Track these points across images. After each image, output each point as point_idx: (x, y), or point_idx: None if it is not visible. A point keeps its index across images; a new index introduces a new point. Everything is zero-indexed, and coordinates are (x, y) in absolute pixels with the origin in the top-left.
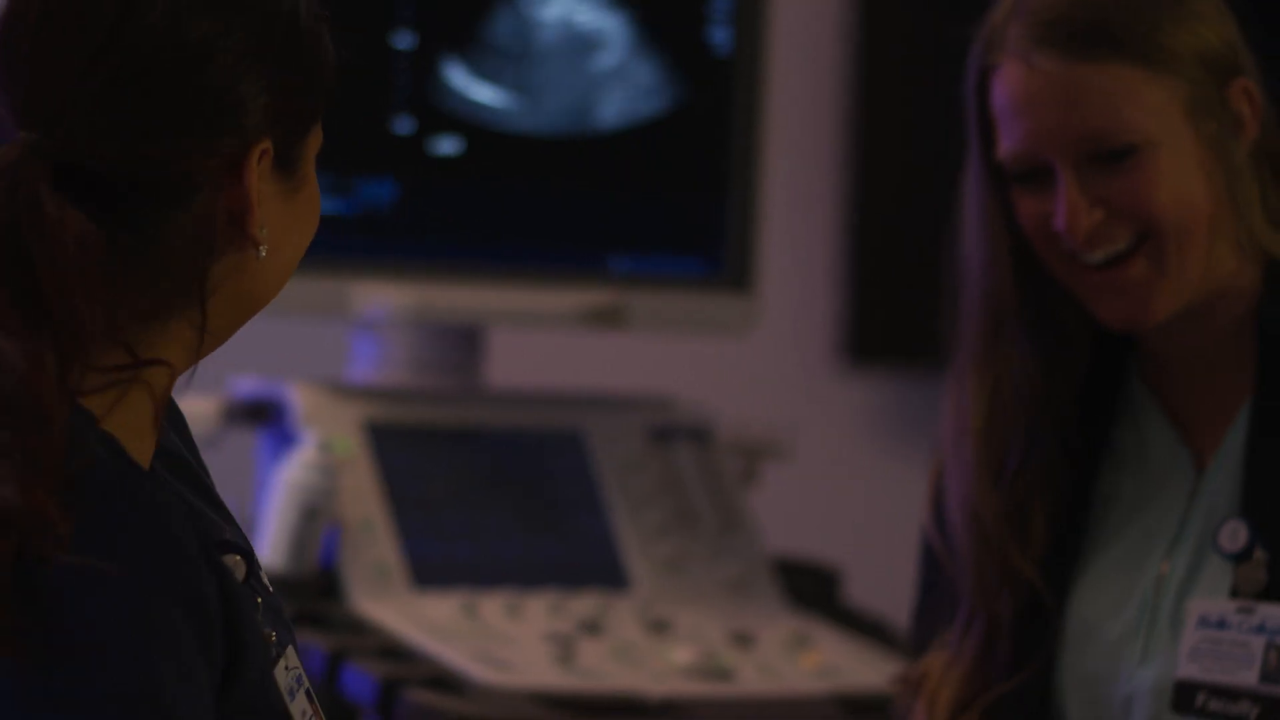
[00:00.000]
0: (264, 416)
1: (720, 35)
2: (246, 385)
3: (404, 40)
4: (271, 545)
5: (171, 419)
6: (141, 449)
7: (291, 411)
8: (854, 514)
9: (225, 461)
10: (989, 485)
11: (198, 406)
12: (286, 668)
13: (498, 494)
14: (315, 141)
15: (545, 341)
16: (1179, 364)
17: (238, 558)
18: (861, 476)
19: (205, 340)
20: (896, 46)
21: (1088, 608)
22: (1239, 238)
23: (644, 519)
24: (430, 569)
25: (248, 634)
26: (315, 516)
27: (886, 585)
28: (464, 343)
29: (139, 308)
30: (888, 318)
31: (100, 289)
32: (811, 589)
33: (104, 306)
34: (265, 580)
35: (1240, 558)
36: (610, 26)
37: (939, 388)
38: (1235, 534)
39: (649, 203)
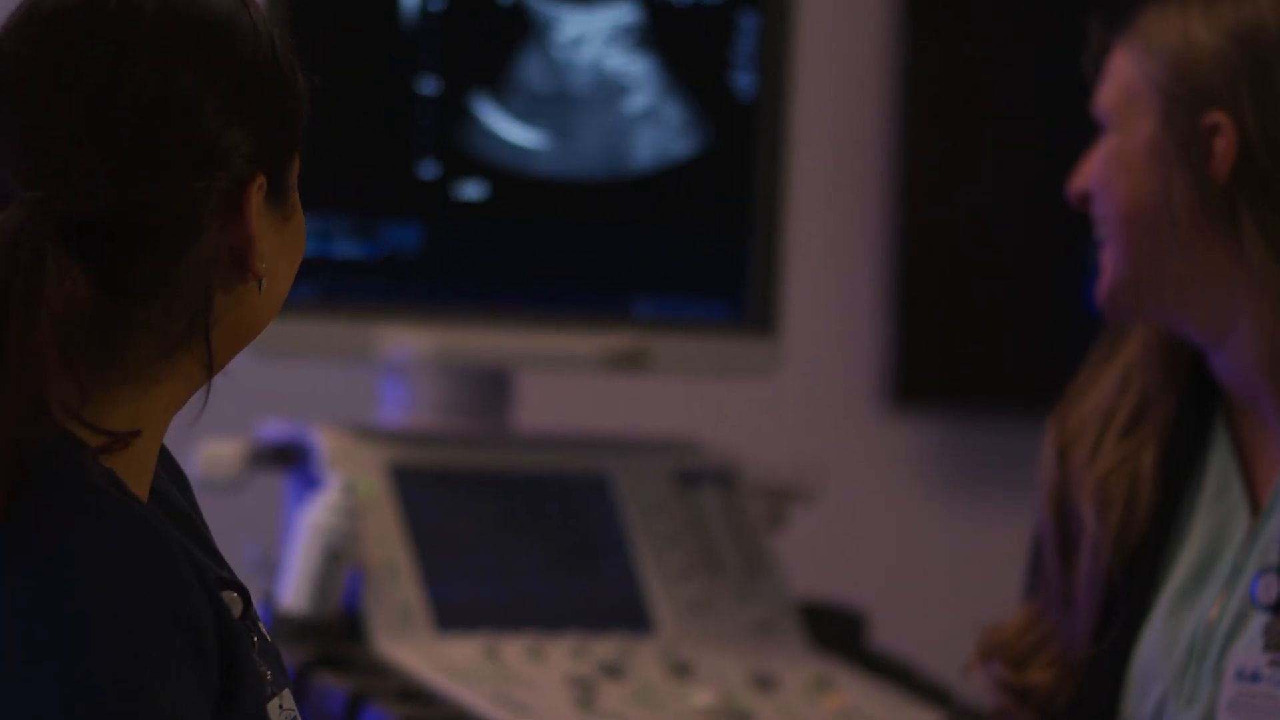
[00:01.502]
0: (290, 460)
1: (744, 79)
2: (273, 429)
3: (428, 85)
4: (294, 587)
5: (171, 474)
6: (140, 486)
7: (316, 454)
8: (886, 558)
9: (253, 505)
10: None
11: (225, 450)
12: (281, 707)
13: (522, 536)
14: (296, 171)
15: (574, 384)
16: (1241, 401)
17: (234, 595)
18: (895, 520)
19: (209, 371)
20: (936, 81)
21: (1146, 651)
22: (1225, 274)
23: (668, 562)
24: (453, 611)
25: (243, 666)
26: (338, 558)
27: (917, 630)
28: (491, 386)
29: (149, 346)
30: (928, 358)
31: (76, 355)
32: (836, 632)
33: (78, 370)
34: (262, 628)
35: (1275, 609)
36: (640, 70)
37: (975, 430)
38: (1269, 587)
39: (673, 246)
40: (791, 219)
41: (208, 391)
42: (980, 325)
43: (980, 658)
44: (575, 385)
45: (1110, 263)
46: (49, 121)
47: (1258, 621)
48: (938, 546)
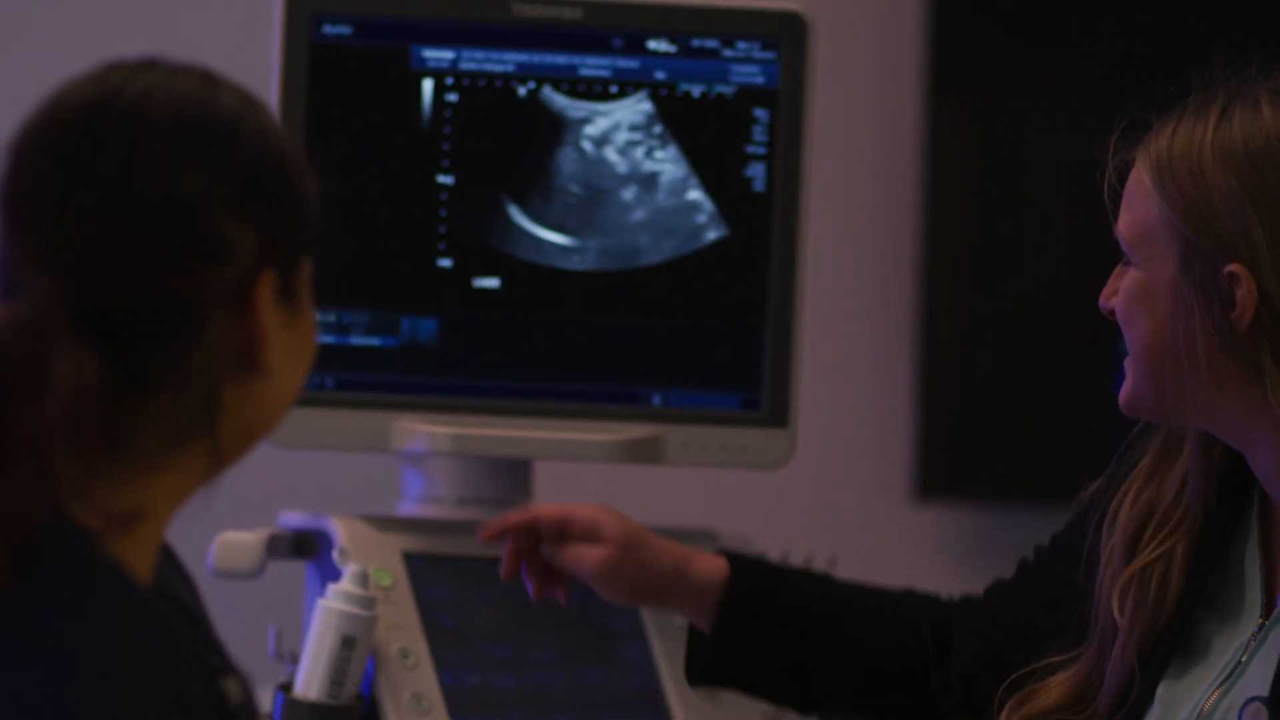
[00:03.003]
0: (310, 550)
1: (759, 171)
2: (293, 519)
3: (446, 178)
4: (309, 674)
5: (176, 571)
6: (141, 572)
7: (334, 543)
8: None
9: (276, 594)
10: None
11: (245, 540)
12: None
13: (538, 625)
14: (308, 270)
15: (595, 473)
16: (1274, 495)
17: (235, 681)
18: None
19: (217, 466)
20: (961, 168)
21: None
22: (1248, 403)
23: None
24: (468, 700)
25: None
26: (353, 645)
27: None
28: (509, 475)
29: (157, 436)
30: (950, 449)
31: (83, 440)
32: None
33: (85, 455)
34: (262, 717)
35: None
36: (655, 162)
37: (997, 524)
38: (1258, 714)
39: (689, 338)
40: (810, 310)
41: (209, 482)
42: (1004, 417)
43: None
44: (596, 474)
45: (1133, 378)
46: (63, 216)
47: None
48: None
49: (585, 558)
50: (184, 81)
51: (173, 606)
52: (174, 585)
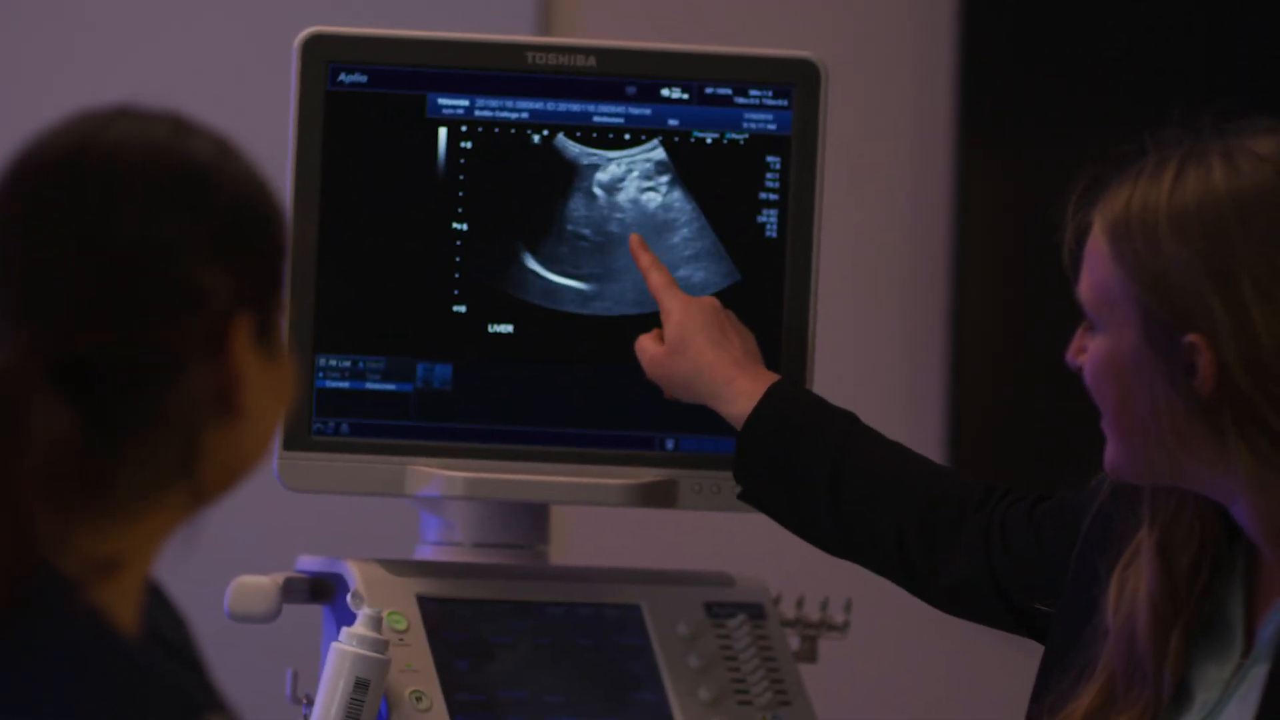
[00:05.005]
0: (327, 594)
1: (770, 216)
2: (309, 562)
3: (460, 224)
4: (322, 717)
5: (165, 612)
6: (125, 615)
7: (349, 587)
8: (917, 693)
9: (292, 637)
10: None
11: (262, 584)
12: None
13: (553, 668)
14: (284, 313)
15: (612, 516)
16: (1256, 544)
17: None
18: (925, 655)
19: (198, 507)
20: (984, 213)
21: None
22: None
23: (700, 694)
24: None
25: None
26: (366, 688)
27: None
28: (527, 518)
29: (137, 481)
30: None
31: (61, 489)
32: None
33: (64, 504)
34: None
35: None
36: (669, 208)
37: None
38: None
39: None
40: (836, 353)
41: (191, 521)
42: (1017, 463)
43: None
44: (612, 518)
45: (1111, 444)
46: (40, 268)
47: None
48: (969, 682)
49: (640, 349)
50: (156, 129)
51: (158, 648)
52: (162, 626)
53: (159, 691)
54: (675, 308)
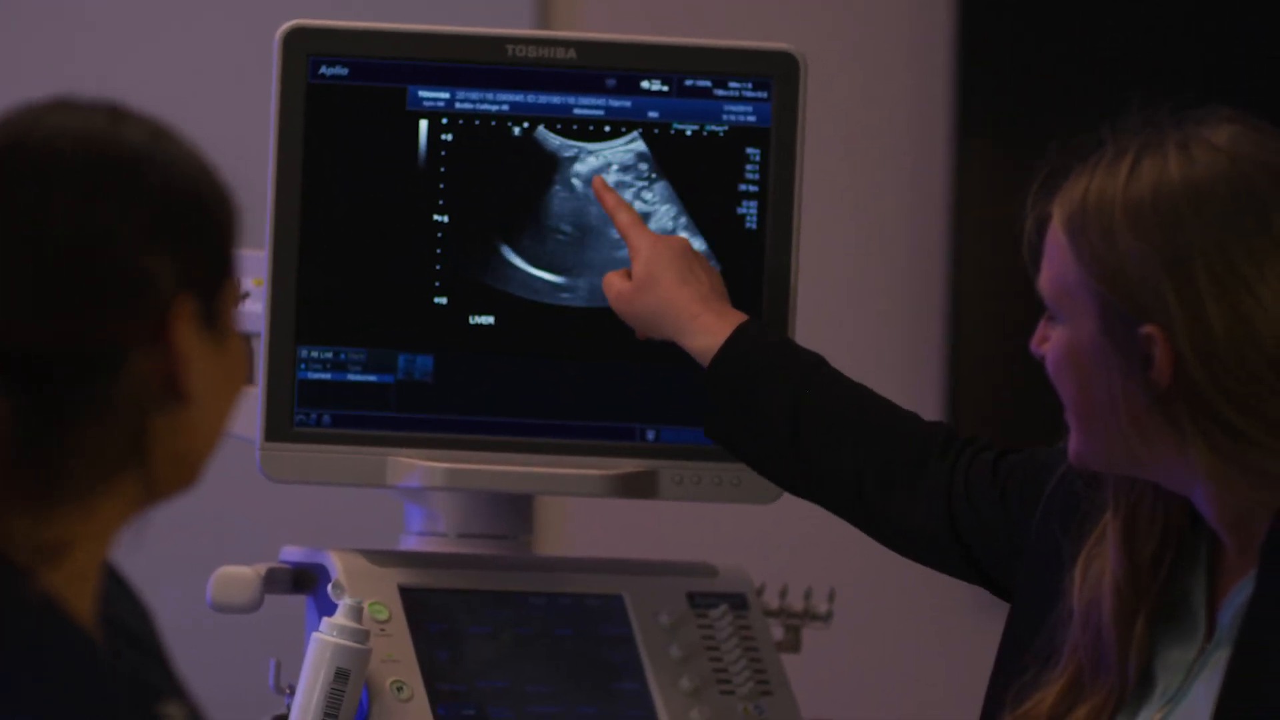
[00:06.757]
0: (309, 584)
1: (750, 208)
2: (292, 553)
3: (441, 217)
4: (303, 706)
5: (124, 597)
6: (80, 602)
7: (331, 577)
8: (900, 682)
9: (276, 628)
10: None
11: (244, 575)
12: None
13: (534, 659)
14: (233, 295)
15: (594, 507)
16: (1217, 533)
17: (179, 706)
18: (908, 643)
19: (154, 494)
20: (981, 212)
21: None
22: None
23: (681, 684)
24: None
25: None
26: (347, 678)
27: None
28: (511, 509)
29: (87, 469)
30: None
31: (6, 481)
32: None
33: (10, 494)
34: None
35: None
36: (649, 201)
37: None
38: None
39: (680, 374)
40: (832, 344)
41: (146, 510)
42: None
43: None
44: (594, 508)
45: (1074, 434)
46: None
47: None
48: (953, 671)
49: (608, 285)
50: (91, 118)
51: (118, 636)
52: (122, 614)
53: (114, 678)
54: (643, 245)
